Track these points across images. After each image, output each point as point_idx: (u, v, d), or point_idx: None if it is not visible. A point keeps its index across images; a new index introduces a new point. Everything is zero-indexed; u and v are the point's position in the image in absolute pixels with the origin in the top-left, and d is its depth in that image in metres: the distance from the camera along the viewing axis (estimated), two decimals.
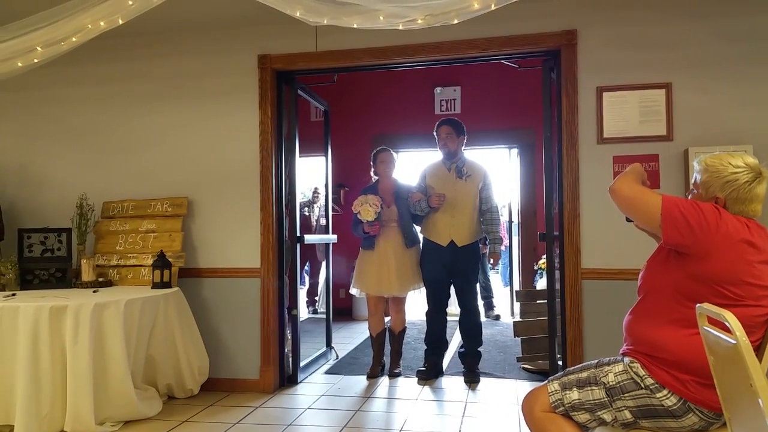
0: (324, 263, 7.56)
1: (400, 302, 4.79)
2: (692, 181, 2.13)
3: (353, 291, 4.82)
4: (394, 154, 4.85)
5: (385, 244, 4.65)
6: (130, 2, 3.09)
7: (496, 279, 10.22)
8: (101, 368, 3.40)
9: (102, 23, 3.20)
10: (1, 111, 4.74)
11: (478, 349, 4.66)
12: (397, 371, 4.70)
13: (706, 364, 1.72)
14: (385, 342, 4.84)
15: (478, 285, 7.78)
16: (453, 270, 4.52)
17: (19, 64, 3.42)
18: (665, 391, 1.94)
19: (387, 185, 4.76)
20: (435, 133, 4.66)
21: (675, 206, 1.93)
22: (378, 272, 4.63)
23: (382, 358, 4.81)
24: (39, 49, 3.29)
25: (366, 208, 4.53)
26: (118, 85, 4.54)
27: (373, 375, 4.67)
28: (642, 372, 1.98)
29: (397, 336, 4.79)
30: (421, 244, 4.74)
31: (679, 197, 1.99)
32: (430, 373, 4.60)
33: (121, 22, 3.16)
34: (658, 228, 1.96)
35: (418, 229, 4.77)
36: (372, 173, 4.90)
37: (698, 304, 1.69)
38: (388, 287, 4.62)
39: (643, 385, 1.97)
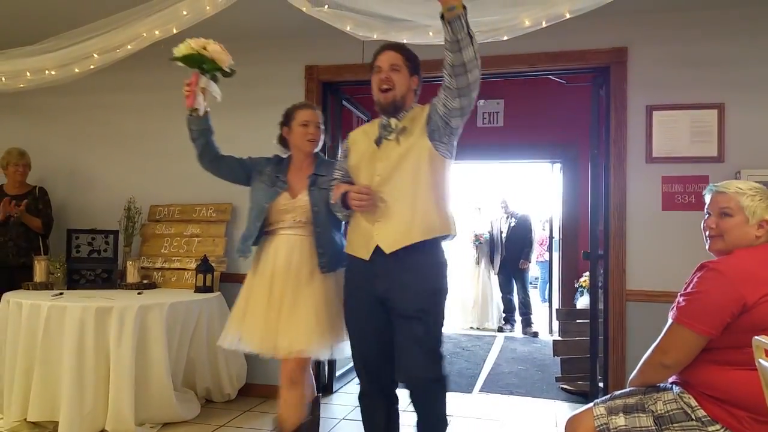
0: None
1: (296, 368, 2.77)
2: (709, 207, 2.07)
3: (222, 342, 2.90)
4: (320, 116, 3.01)
5: (278, 264, 2.80)
6: (185, 12, 3.15)
7: (533, 293, 10.09)
8: (143, 370, 3.47)
9: (157, 32, 3.27)
10: (54, 114, 4.88)
11: None
12: None
13: (760, 400, 1.66)
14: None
15: (500, 305, 7.73)
16: (387, 302, 2.48)
17: (76, 70, 3.52)
18: (717, 426, 1.88)
19: (303, 163, 2.98)
20: (372, 66, 2.60)
21: (691, 314, 1.90)
22: (253, 312, 2.81)
23: None
24: (95, 56, 3.38)
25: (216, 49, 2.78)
26: (168, 92, 4.61)
27: None
28: (693, 403, 1.93)
29: None
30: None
31: (681, 307, 1.94)
32: None
33: (175, 31, 3.22)
34: (705, 341, 1.91)
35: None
36: (278, 143, 3.11)
37: (755, 337, 1.64)
38: (269, 341, 2.74)
39: (693, 417, 1.92)
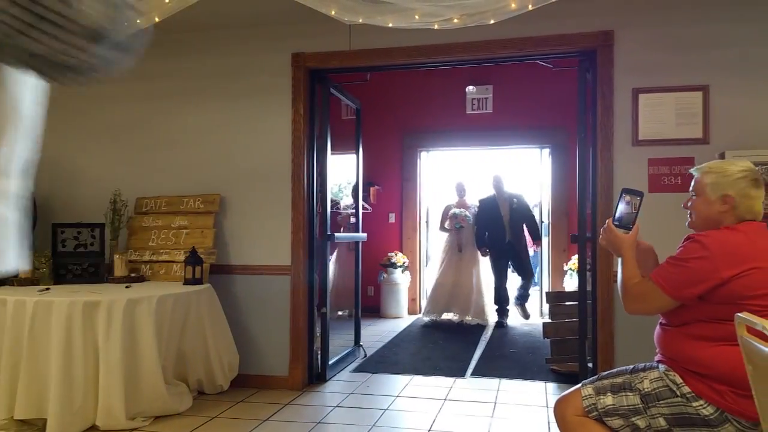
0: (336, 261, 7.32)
1: None
2: (691, 188, 2.15)
3: None
4: None
5: None
6: (167, 0, 3.12)
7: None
8: (133, 363, 3.44)
9: (138, 21, 3.24)
10: None
11: None
12: None
13: (742, 375, 1.69)
14: None
15: (502, 282, 7.01)
16: None
17: None
18: (702, 401, 1.92)
19: None
20: None
21: (666, 276, 1.98)
22: None
23: None
24: None
25: None
26: (153, 82, 4.58)
27: None
28: (678, 380, 1.96)
29: None
30: None
31: (662, 266, 2.04)
32: None
33: (157, 20, 3.19)
34: (674, 304, 1.99)
35: None
36: None
37: (737, 313, 1.66)
38: None
39: (678, 393, 1.95)
